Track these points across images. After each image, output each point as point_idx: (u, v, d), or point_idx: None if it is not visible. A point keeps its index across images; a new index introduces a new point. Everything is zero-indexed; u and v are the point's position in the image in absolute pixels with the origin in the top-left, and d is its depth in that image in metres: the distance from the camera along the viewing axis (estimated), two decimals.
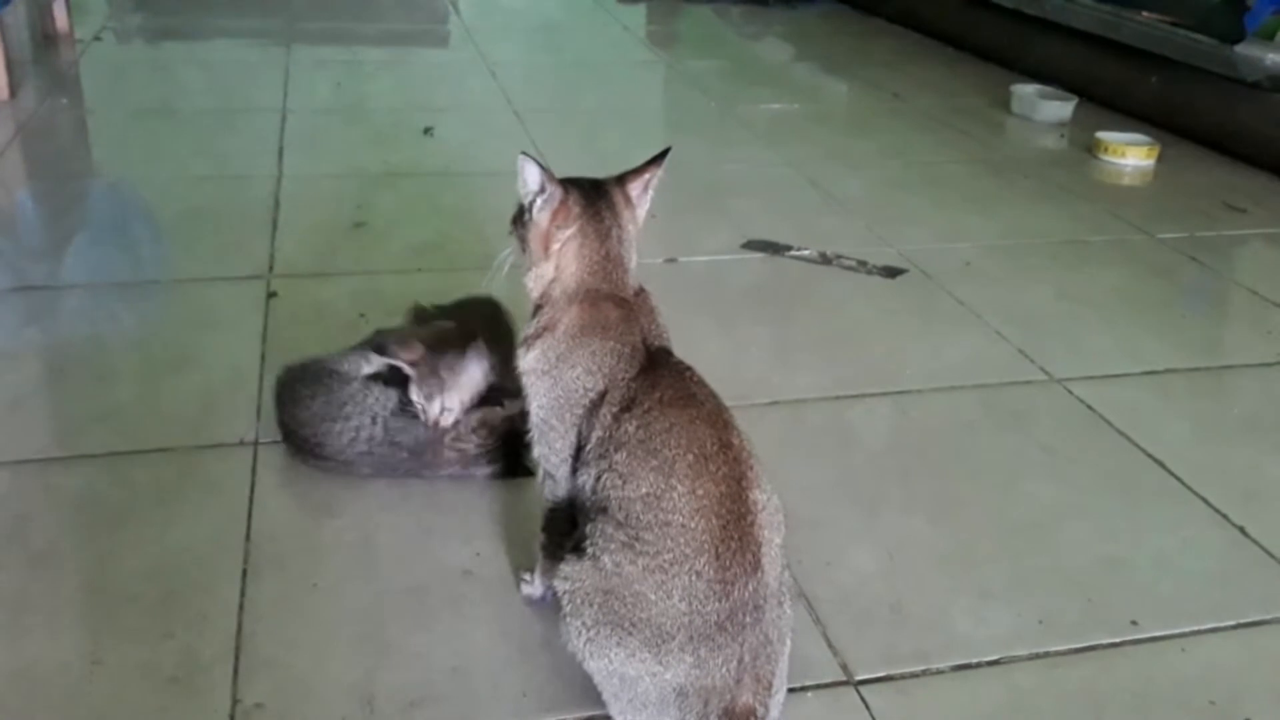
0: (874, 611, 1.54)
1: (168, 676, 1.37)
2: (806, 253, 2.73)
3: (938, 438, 1.98)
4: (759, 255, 2.71)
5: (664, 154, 1.42)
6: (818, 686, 1.41)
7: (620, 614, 1.22)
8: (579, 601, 1.25)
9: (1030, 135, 3.93)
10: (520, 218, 1.39)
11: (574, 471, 1.36)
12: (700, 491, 1.22)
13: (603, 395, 1.32)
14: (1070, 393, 2.13)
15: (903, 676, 1.44)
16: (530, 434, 1.40)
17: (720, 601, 1.20)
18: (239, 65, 4.22)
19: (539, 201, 1.34)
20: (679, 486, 1.22)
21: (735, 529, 1.22)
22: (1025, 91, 4.08)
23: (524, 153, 1.33)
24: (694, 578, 1.20)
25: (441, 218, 2.83)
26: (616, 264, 1.37)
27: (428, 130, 3.48)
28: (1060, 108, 3.99)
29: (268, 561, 1.57)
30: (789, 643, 1.29)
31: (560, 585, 1.28)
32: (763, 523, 1.24)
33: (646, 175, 1.40)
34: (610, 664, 1.23)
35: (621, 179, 1.40)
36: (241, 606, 1.48)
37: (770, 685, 1.24)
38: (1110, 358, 2.30)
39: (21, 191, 3.03)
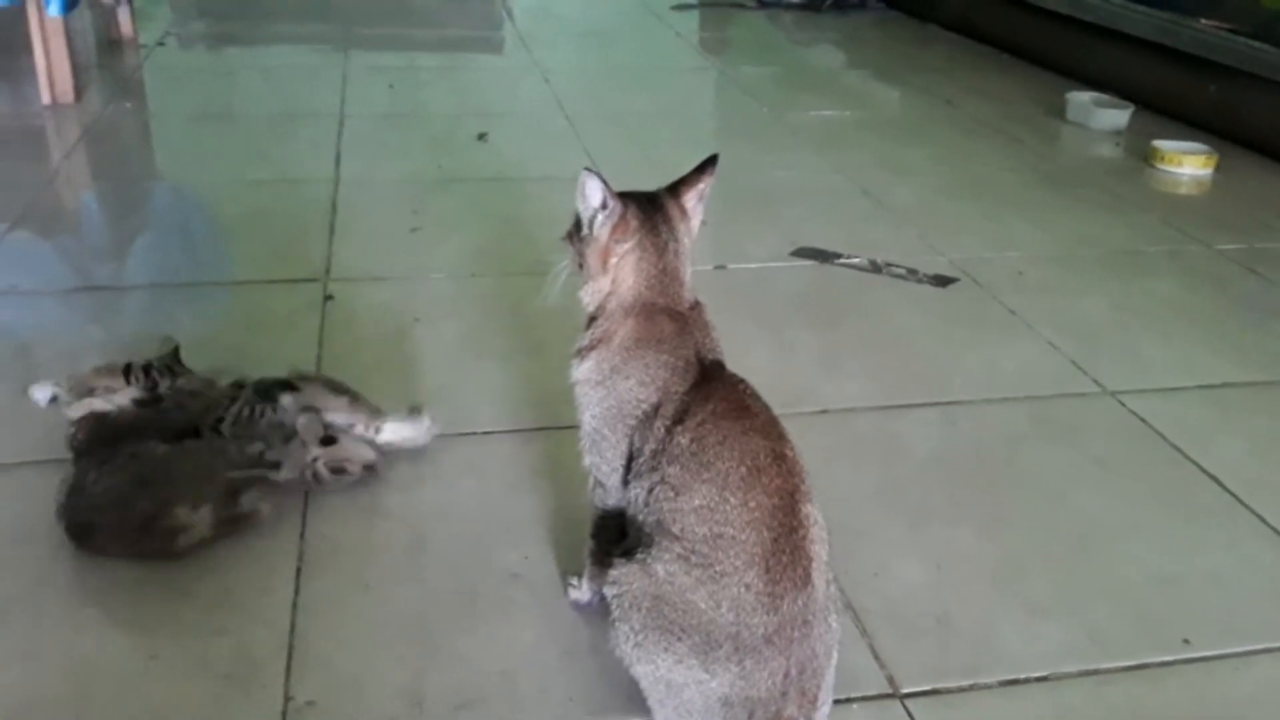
0: (921, 624, 1.54)
1: (222, 673, 1.39)
2: (856, 260, 2.72)
3: (987, 449, 1.97)
4: (808, 263, 2.71)
5: (713, 161, 1.43)
6: (863, 699, 1.41)
7: (669, 619, 1.23)
8: (628, 606, 1.26)
9: (1085, 143, 3.88)
10: (577, 232, 1.40)
11: (625, 483, 1.37)
12: (753, 504, 1.23)
13: (656, 408, 1.33)
14: (1123, 405, 2.11)
15: (950, 690, 1.43)
16: (581, 443, 1.42)
17: (769, 615, 1.20)
18: (298, 71, 4.29)
19: (600, 218, 1.35)
20: (731, 499, 1.23)
21: (787, 543, 1.22)
22: (1081, 99, 4.04)
23: (588, 169, 1.35)
24: (744, 590, 1.21)
25: (495, 222, 2.86)
26: (673, 277, 1.38)
27: (482, 136, 3.52)
28: (1116, 116, 3.95)
29: (321, 561, 1.59)
30: (835, 656, 1.29)
31: (610, 590, 1.29)
32: (814, 537, 1.25)
33: (700, 185, 1.41)
34: (657, 669, 1.24)
35: (675, 190, 1.41)
36: (295, 605, 1.51)
37: (815, 699, 1.24)
38: (1165, 370, 2.27)
39: (86, 192, 3.11)
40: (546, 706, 1.37)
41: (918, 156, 3.63)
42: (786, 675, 1.21)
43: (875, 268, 2.69)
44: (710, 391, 1.33)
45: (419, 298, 2.43)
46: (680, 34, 5.43)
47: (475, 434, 1.94)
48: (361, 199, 2.95)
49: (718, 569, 1.22)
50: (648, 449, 1.32)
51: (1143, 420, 2.06)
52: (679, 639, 1.22)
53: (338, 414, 1.78)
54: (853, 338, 2.36)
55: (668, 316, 1.37)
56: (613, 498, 1.40)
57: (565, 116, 3.79)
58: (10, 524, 1.64)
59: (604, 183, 1.34)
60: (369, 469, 1.76)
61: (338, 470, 1.72)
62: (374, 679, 1.39)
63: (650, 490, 1.30)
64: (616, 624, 1.28)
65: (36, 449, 1.76)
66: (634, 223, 1.35)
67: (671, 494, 1.27)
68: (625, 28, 5.62)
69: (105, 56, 4.28)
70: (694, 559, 1.23)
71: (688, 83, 4.66)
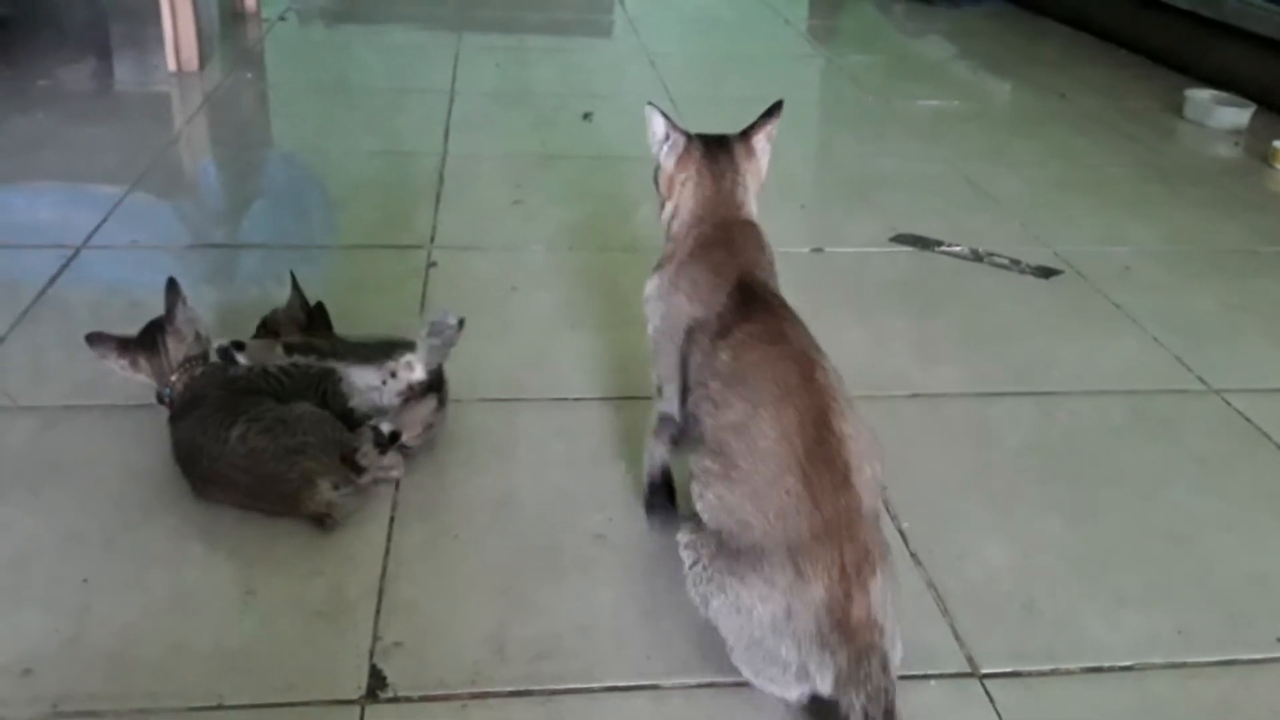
0: (1004, 607, 1.52)
1: (315, 610, 1.45)
2: (957, 249, 2.69)
3: (1082, 441, 1.93)
4: (908, 249, 2.69)
5: (779, 106, 1.60)
6: (941, 676, 1.41)
7: (730, 548, 1.29)
8: (699, 547, 1.33)
9: (1203, 142, 3.77)
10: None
11: (684, 401, 1.47)
12: (784, 419, 1.29)
13: (700, 322, 1.45)
14: (1228, 404, 2.05)
15: (1030, 674, 1.42)
16: (651, 351, 1.57)
17: (813, 514, 1.24)
18: (412, 48, 4.38)
19: (665, 148, 1.56)
20: (764, 413, 1.30)
21: (820, 451, 1.27)
22: (1200, 97, 3.92)
23: (650, 103, 1.56)
24: (785, 495, 1.26)
25: (594, 200, 2.89)
26: (727, 202, 1.54)
27: (587, 116, 3.55)
28: (1236, 114, 3.82)
29: (414, 511, 1.64)
30: (899, 586, 1.30)
31: (681, 538, 1.36)
32: (851, 449, 1.28)
33: (767, 127, 1.59)
34: (726, 598, 1.28)
35: (745, 134, 1.59)
36: (387, 551, 1.56)
37: (879, 604, 1.24)
38: (1274, 370, 2.20)
39: (205, 157, 3.22)
40: (624, 661, 1.40)
41: (1026, 149, 3.56)
42: (843, 571, 1.22)
43: (976, 257, 2.65)
44: (751, 312, 1.42)
45: (518, 268, 2.47)
46: (789, 21, 5.40)
47: (567, 400, 1.98)
48: (468, 172, 3.01)
49: (758, 480, 1.27)
50: (694, 362, 1.43)
51: (1247, 420, 2.01)
52: (739, 559, 1.27)
53: (364, 375, 1.74)
54: (950, 325, 2.33)
55: (721, 238, 1.51)
56: (671, 404, 1.53)
57: (670, 100, 3.80)
58: (121, 461, 1.72)
59: (666, 117, 1.55)
60: (441, 411, 1.76)
61: (413, 444, 1.74)
62: (459, 625, 1.44)
63: (698, 403, 1.40)
64: (690, 570, 1.33)
65: (145, 392, 1.82)
66: (696, 154, 1.54)
67: (713, 409, 1.36)
68: (734, 14, 5.60)
69: (229, 28, 4.43)
70: (735, 475, 1.29)
71: (795, 69, 4.64)
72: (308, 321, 1.91)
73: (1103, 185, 3.25)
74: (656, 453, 1.61)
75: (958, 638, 1.47)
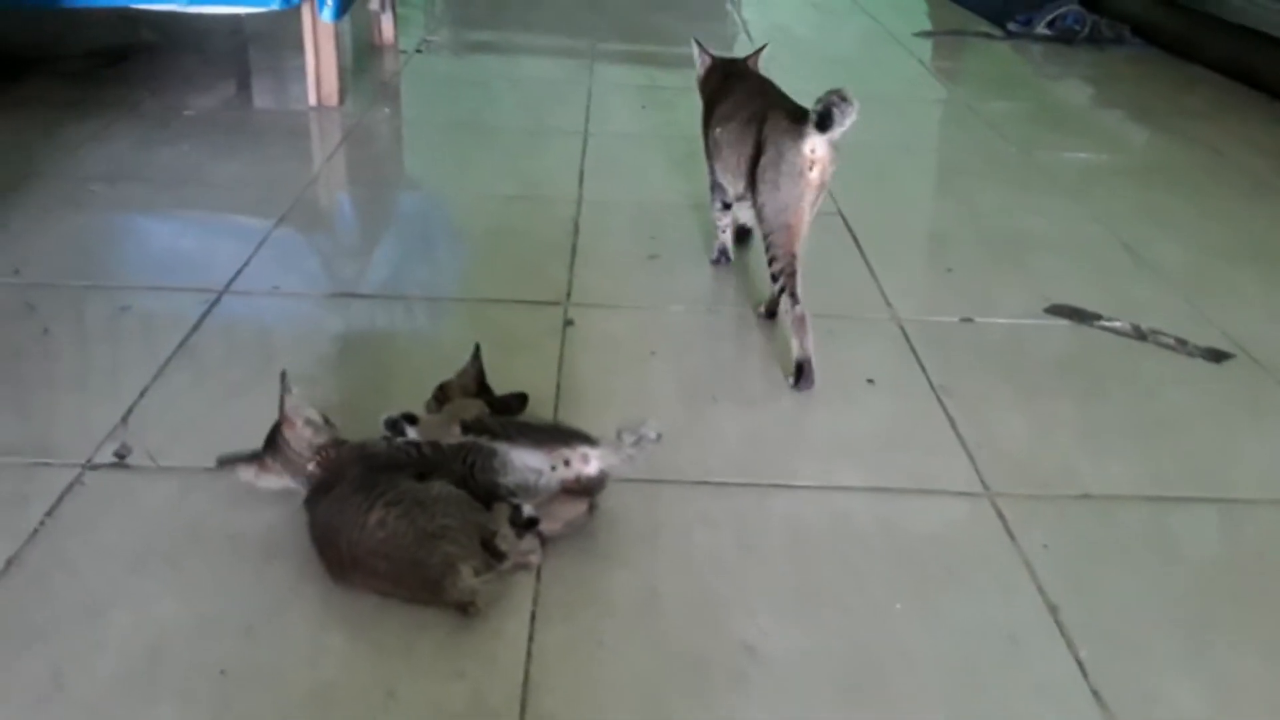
0: None
1: (457, 717, 1.38)
2: (1118, 324, 2.53)
3: (1276, 560, 1.77)
4: (1063, 322, 2.54)
5: (763, 47, 2.59)
6: None
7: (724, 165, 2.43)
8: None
9: None
10: None
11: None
12: (747, 89, 2.42)
13: (708, 99, 2.52)
14: None
15: None
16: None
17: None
18: (545, 83, 4.35)
19: (699, 61, 2.55)
20: (738, 91, 2.41)
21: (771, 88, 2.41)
22: None
23: (694, 37, 2.61)
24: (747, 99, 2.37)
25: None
26: (733, 65, 2.56)
27: None
28: None
29: (556, 607, 1.56)
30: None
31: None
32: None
33: (758, 57, 2.56)
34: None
35: (746, 57, 2.56)
36: (529, 654, 1.48)
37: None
38: None
39: (345, 198, 3.22)
40: None
41: (1183, 210, 3.37)
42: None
43: (1140, 334, 2.49)
44: (732, 73, 2.51)
45: (656, 330, 2.39)
46: (923, 62, 5.25)
47: (710, 483, 1.88)
48: (603, 221, 2.95)
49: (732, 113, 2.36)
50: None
51: None
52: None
53: (526, 457, 1.66)
54: (1116, 413, 2.18)
55: (724, 73, 2.53)
56: (711, 176, 2.57)
57: None
58: (260, 534, 1.67)
59: (700, 45, 2.57)
60: (589, 514, 1.70)
61: (549, 536, 1.67)
62: None
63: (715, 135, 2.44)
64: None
65: None
66: (717, 62, 2.55)
67: (718, 131, 2.40)
68: (865, 53, 5.48)
69: (366, 60, 4.45)
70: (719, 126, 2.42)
71: (930, 114, 4.50)
72: (478, 393, 1.86)
73: (1271, 256, 3.05)
74: (716, 218, 2.63)
75: None
